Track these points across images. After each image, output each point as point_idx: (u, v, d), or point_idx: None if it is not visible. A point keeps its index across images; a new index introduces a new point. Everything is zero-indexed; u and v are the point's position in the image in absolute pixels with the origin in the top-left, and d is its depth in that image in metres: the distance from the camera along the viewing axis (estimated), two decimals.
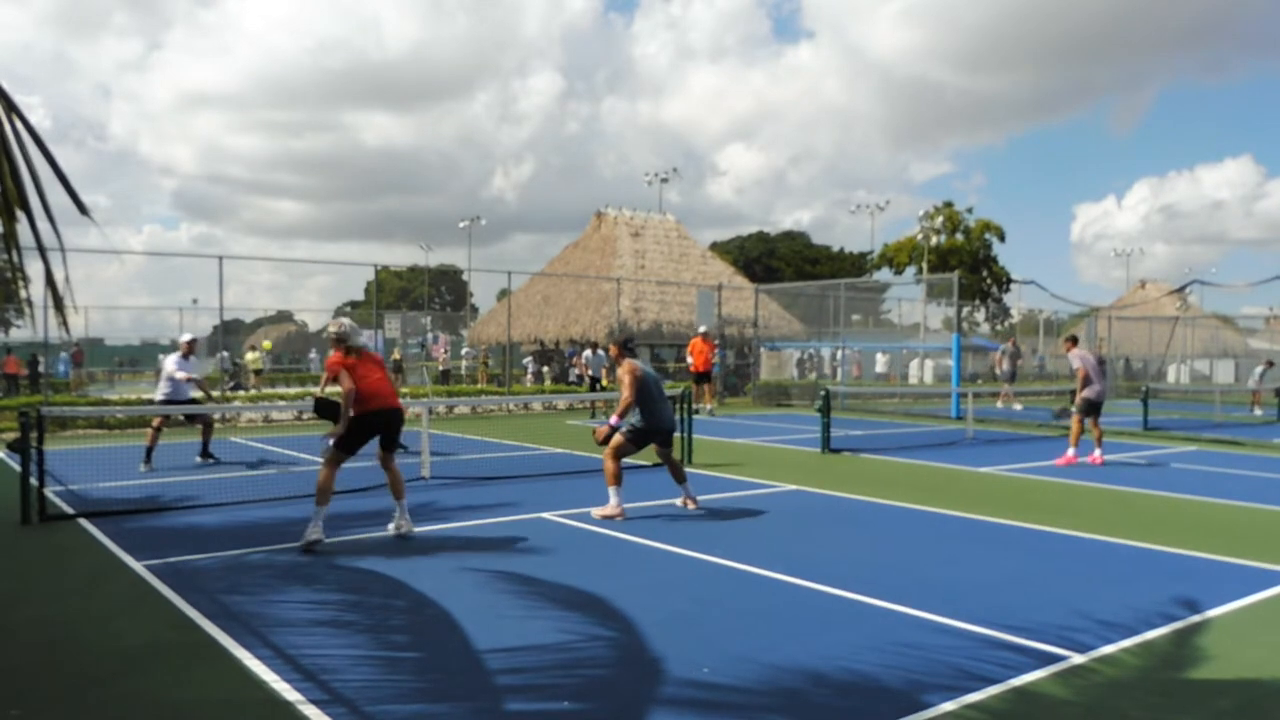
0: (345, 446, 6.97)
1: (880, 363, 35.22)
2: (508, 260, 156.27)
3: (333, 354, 7.29)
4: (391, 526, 7.29)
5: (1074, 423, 12.35)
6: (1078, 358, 12.38)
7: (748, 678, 4.16)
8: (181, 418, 12.61)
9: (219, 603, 5.30)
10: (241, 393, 22.98)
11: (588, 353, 22.38)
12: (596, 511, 8.01)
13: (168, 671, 4.27)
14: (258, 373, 26.30)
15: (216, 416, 13.66)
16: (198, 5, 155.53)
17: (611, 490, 8.04)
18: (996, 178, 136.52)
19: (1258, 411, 23.16)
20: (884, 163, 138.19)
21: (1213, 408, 21.92)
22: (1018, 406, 23.25)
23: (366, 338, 13.68)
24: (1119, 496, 9.59)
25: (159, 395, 11.56)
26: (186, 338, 12.08)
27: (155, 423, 11.44)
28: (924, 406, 24.85)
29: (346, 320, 7.34)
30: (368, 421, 6.99)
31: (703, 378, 20.50)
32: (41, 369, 23.76)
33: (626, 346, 8.56)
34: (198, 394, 11.66)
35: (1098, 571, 6.31)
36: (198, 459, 11.58)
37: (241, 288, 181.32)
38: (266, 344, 26.85)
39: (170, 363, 11.54)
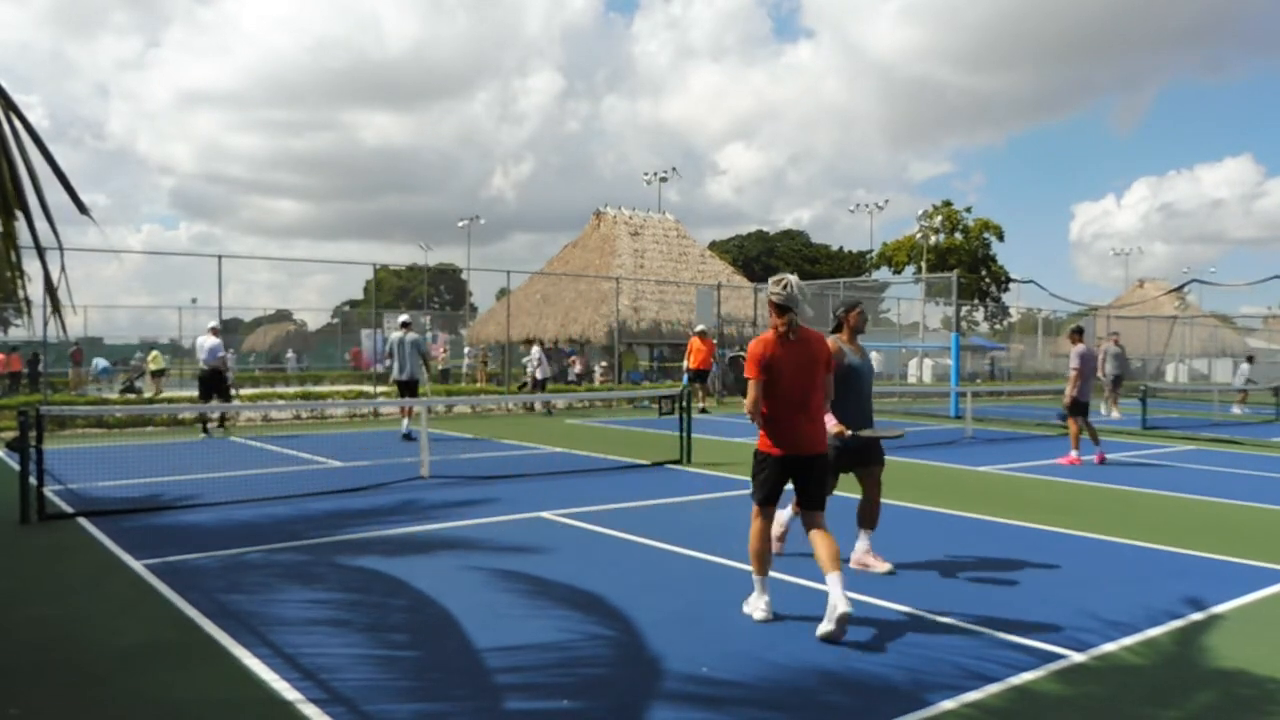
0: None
1: (875, 361, 35.20)
2: (507, 259, 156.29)
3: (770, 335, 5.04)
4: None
5: (1071, 425, 12.24)
6: (1078, 356, 12.14)
7: (747, 676, 4.16)
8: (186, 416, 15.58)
9: (218, 602, 5.30)
10: (132, 395, 23.05)
11: (534, 351, 22.58)
12: (861, 559, 6.22)
13: (167, 670, 4.27)
14: (158, 374, 26.23)
15: (215, 416, 15.54)
16: (197, 3, 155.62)
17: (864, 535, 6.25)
18: (996, 177, 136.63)
19: (1236, 410, 22.81)
20: (883, 162, 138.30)
21: (1211, 407, 21.93)
22: (1116, 414, 19.73)
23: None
24: (1118, 495, 9.59)
25: (203, 362, 15.35)
26: (214, 325, 15.83)
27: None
28: (923, 405, 24.86)
29: (793, 277, 5.07)
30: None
31: (700, 376, 20.49)
32: (41, 367, 23.75)
33: (851, 311, 6.32)
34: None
35: (1098, 570, 6.31)
36: (204, 432, 14.83)
37: (240, 287, 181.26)
38: (155, 354, 26.83)
39: (208, 339, 15.32)
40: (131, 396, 22.07)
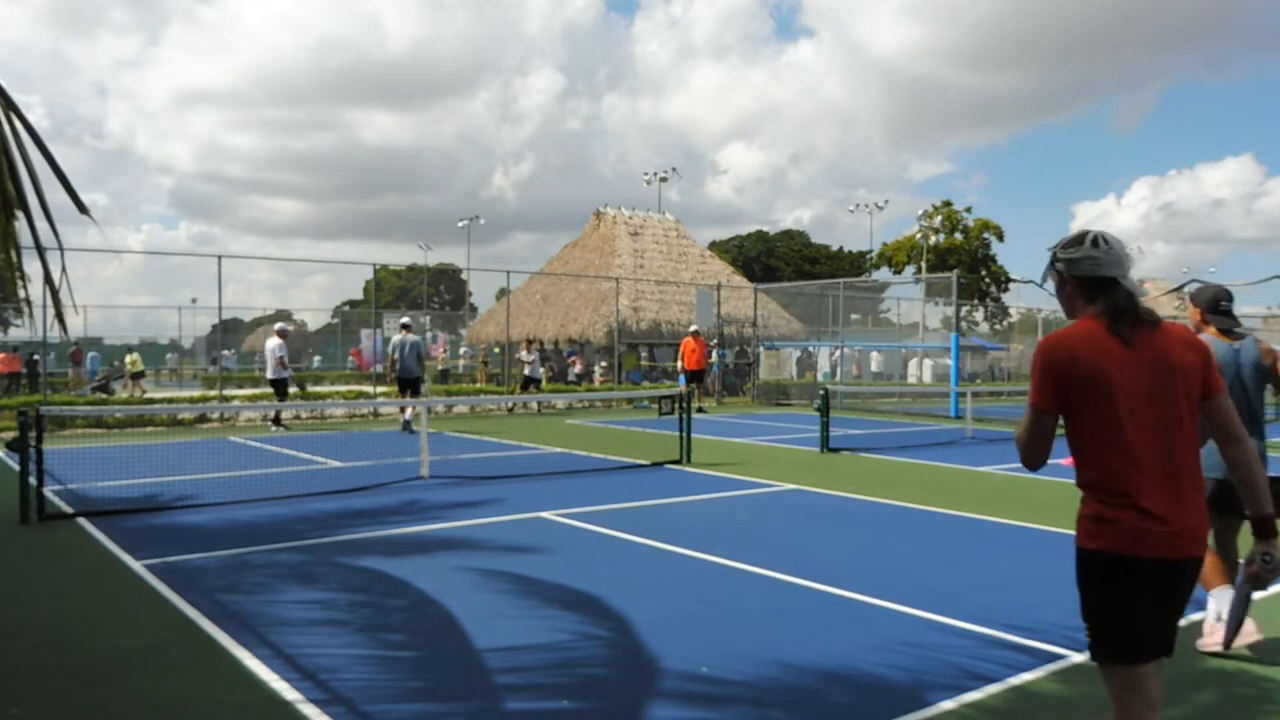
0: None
1: (875, 361, 35.22)
2: (507, 259, 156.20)
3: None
4: None
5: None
6: None
7: (747, 676, 4.16)
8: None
9: (218, 602, 5.30)
10: (104, 395, 23.03)
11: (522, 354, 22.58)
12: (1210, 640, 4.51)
13: (166, 671, 4.27)
14: (138, 376, 26.26)
15: (215, 416, 16.37)
16: (196, 2, 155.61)
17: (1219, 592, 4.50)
18: (996, 176, 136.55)
19: None
20: (884, 162, 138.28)
21: None
22: None
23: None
24: None
25: (270, 373, 16.17)
26: (280, 327, 16.71)
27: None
28: (923, 406, 24.86)
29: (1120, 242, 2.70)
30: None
31: (696, 376, 20.48)
32: (41, 368, 23.73)
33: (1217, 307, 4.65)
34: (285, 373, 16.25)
35: None
36: (274, 429, 15.89)
37: (240, 286, 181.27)
38: (134, 357, 26.92)
39: (270, 341, 16.20)
40: (104, 396, 22.10)
